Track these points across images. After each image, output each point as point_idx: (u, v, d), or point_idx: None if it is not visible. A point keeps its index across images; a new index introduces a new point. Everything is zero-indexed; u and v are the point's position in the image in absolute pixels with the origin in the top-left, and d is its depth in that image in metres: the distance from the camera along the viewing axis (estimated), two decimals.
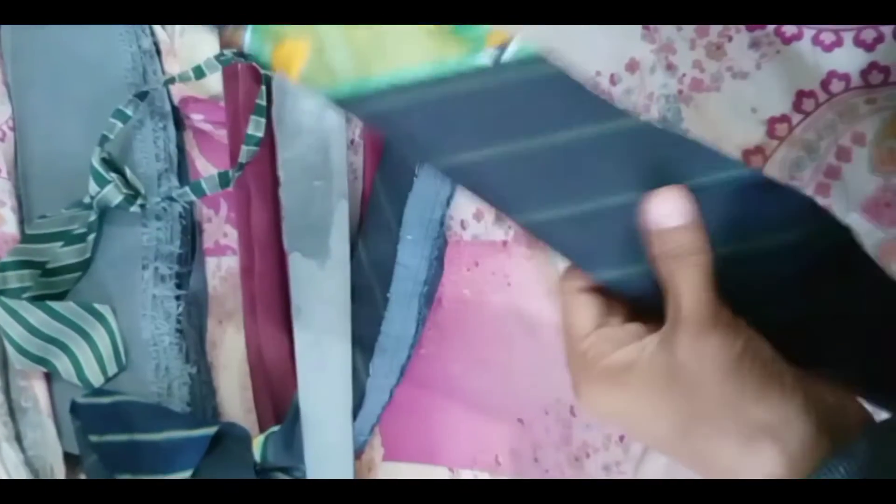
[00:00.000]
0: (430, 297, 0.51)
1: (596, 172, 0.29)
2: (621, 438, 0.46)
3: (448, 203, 0.50)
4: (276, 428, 0.58)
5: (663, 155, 0.28)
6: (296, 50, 0.31)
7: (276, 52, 0.31)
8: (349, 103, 0.31)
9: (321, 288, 0.55)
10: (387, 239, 0.51)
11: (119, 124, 0.60)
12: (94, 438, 0.62)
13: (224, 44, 0.60)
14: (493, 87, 0.30)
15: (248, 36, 0.31)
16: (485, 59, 0.30)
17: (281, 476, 0.59)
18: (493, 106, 0.30)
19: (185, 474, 0.59)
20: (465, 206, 0.51)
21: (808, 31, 0.39)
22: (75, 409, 0.63)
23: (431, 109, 0.30)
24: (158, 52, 0.65)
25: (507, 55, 0.30)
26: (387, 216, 0.51)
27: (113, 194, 0.60)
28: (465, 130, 0.30)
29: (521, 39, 0.29)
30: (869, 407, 0.29)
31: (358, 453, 0.56)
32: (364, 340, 0.53)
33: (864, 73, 0.38)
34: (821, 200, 0.39)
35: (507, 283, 0.49)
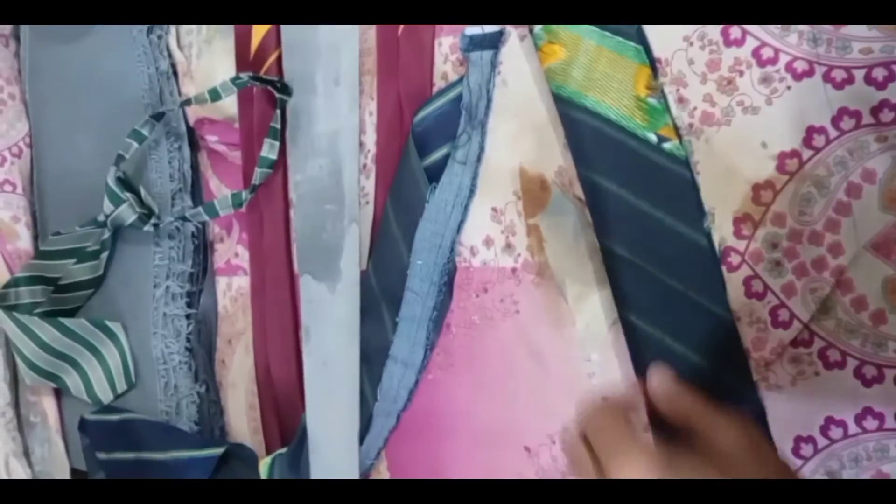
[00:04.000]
0: (438, 323, 0.52)
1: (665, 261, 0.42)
2: None
3: (458, 229, 0.51)
4: (283, 450, 0.58)
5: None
6: (557, 51, 0.45)
7: (546, 44, 0.45)
8: (560, 99, 0.45)
9: (331, 311, 0.55)
10: (397, 264, 0.51)
11: (135, 144, 0.61)
12: (101, 455, 0.62)
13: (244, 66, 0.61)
14: (644, 155, 0.42)
15: (539, 28, 0.46)
16: (652, 137, 0.43)
17: None
18: (636, 166, 0.42)
19: None
20: (475, 232, 0.51)
21: (819, 67, 0.40)
22: (84, 425, 0.63)
23: (599, 137, 0.43)
24: (175, 73, 0.66)
25: (666, 146, 0.42)
26: (397, 241, 0.52)
27: (127, 213, 0.60)
28: (609, 164, 0.43)
29: (677, 143, 0.42)
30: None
31: (364, 477, 0.56)
32: (372, 364, 0.53)
33: (875, 111, 0.38)
34: (830, 236, 0.40)
35: (516, 311, 0.49)
